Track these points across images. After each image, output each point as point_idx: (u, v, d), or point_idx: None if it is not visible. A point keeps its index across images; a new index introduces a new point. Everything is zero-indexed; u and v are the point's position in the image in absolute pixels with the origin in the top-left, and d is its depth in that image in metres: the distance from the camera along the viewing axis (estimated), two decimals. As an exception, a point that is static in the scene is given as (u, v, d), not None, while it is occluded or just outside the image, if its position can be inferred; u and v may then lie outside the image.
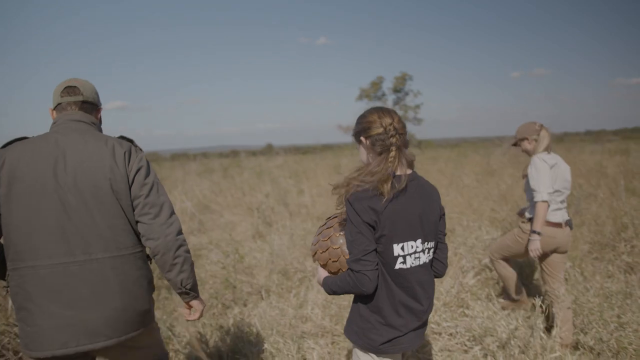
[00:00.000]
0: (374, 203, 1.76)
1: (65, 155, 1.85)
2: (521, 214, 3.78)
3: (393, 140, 1.83)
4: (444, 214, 2.02)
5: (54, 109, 2.06)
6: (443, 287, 3.67)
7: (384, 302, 1.86)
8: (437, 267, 2.03)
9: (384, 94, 35.56)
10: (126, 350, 2.00)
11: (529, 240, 3.44)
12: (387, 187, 1.75)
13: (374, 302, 1.87)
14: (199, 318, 2.19)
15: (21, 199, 1.79)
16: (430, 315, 3.28)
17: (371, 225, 1.77)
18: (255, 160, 21.53)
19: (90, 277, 1.82)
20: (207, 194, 11.33)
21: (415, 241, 1.84)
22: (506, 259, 3.94)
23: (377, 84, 34.95)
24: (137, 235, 1.98)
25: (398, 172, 1.85)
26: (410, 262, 1.84)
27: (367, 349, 1.90)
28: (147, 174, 1.97)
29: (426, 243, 1.89)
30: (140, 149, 2.05)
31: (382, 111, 1.90)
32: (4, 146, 1.89)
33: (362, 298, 1.90)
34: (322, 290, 4.09)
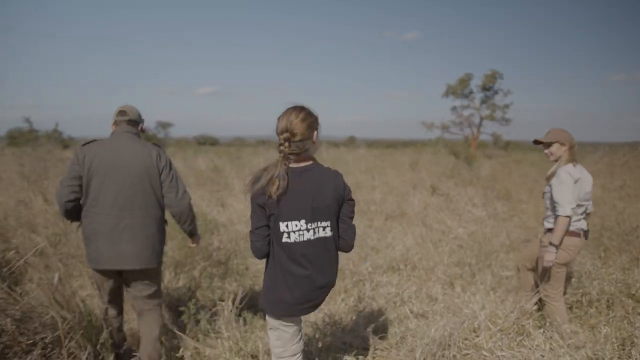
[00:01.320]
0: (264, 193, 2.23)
1: (121, 152, 2.99)
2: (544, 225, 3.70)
3: (282, 147, 2.24)
4: (349, 200, 2.39)
5: (114, 124, 3.18)
6: (501, 311, 3.30)
7: (275, 269, 2.32)
8: (341, 243, 2.42)
9: (471, 92, 34.22)
10: (143, 276, 3.09)
11: (545, 250, 3.46)
12: (273, 189, 2.19)
13: (268, 270, 2.38)
14: (197, 245, 3.47)
15: (96, 177, 2.93)
16: (484, 341, 2.96)
17: (261, 207, 2.26)
18: (336, 152, 21.36)
19: (128, 226, 2.94)
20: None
21: (299, 221, 2.24)
22: (533, 270, 3.90)
23: (465, 81, 33.68)
24: (160, 205, 3.09)
25: (291, 165, 2.27)
26: (294, 237, 2.25)
27: (267, 312, 2.43)
28: (170, 168, 3.12)
29: (311, 223, 2.26)
30: (164, 152, 3.15)
31: (283, 114, 2.29)
32: (84, 145, 3.02)
33: (266, 267, 2.40)
34: (375, 295, 3.88)
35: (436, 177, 11.94)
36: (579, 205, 3.45)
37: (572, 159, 3.47)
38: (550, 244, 3.39)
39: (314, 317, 4.00)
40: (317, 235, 2.29)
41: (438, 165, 13.94)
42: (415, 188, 10.51)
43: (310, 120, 2.29)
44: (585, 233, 3.57)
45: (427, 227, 7.47)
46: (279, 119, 2.29)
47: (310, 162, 2.32)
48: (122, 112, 3.17)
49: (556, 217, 3.39)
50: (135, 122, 3.20)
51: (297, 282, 2.30)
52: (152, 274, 3.14)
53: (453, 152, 15.42)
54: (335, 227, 2.36)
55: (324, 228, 2.31)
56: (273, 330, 2.45)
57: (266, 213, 2.26)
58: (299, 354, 2.51)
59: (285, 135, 2.22)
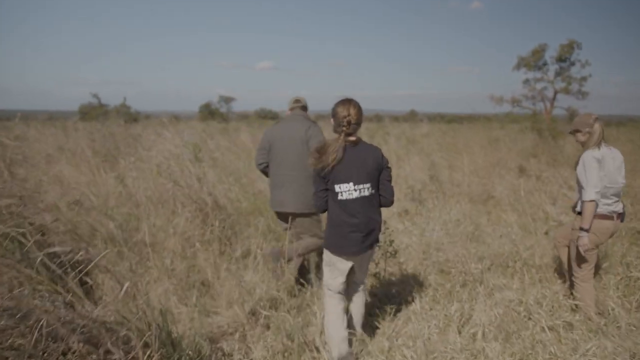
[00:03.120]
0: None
1: (290, 129, 3.96)
2: (574, 208, 3.78)
3: (344, 128, 2.92)
4: (387, 167, 3.05)
5: (290, 109, 4.15)
6: None
7: (334, 219, 2.98)
8: (382, 200, 3.07)
9: (545, 64, 32.00)
10: (303, 219, 3.99)
11: (577, 235, 3.55)
12: (331, 157, 2.87)
13: (329, 221, 3.03)
14: None
15: (275, 149, 3.98)
16: None
17: (321, 176, 2.94)
18: (399, 127, 20.39)
19: (292, 181, 3.90)
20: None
21: (348, 183, 2.91)
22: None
23: (539, 52, 31.51)
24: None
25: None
26: (346, 195, 2.92)
27: (329, 250, 3.07)
28: (315, 138, 3.86)
29: (358, 185, 2.92)
30: (316, 125, 4.02)
31: (343, 104, 2.96)
32: (270, 127, 4.14)
33: (327, 219, 3.05)
34: (495, 301, 3.72)
35: (518, 156, 10.91)
36: (607, 187, 3.48)
37: (597, 142, 3.49)
38: (581, 228, 3.47)
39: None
40: (362, 194, 2.95)
41: (518, 142, 12.78)
42: (497, 168, 9.57)
43: (361, 110, 3.01)
44: (620, 215, 3.61)
45: (519, 212, 6.61)
46: (338, 106, 2.97)
47: (358, 140, 2.99)
48: (297, 101, 4.16)
49: (583, 201, 3.44)
50: (304, 107, 4.19)
51: (351, 229, 2.95)
52: (309, 220, 4.02)
53: (535, 127, 14.07)
54: (376, 187, 3.02)
55: (368, 189, 2.96)
56: (327, 266, 3.13)
57: (325, 180, 2.94)
58: (342, 289, 3.16)
59: (348, 119, 2.91)
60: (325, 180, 2.94)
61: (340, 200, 2.93)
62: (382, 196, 3.07)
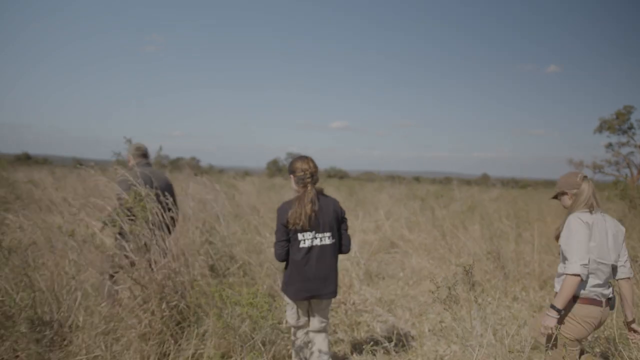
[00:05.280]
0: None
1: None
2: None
3: (310, 180, 3.17)
4: (344, 218, 3.31)
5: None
6: None
7: (294, 266, 3.15)
8: (342, 249, 3.34)
9: (631, 127, 28.96)
10: None
11: (545, 314, 2.83)
12: (307, 208, 3.08)
13: (288, 268, 3.20)
14: None
15: None
16: None
17: (285, 226, 3.11)
18: (468, 191, 18.46)
19: None
20: (397, 227, 8.94)
21: (311, 232, 3.11)
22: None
23: (623, 115, 28.64)
24: None
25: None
26: (308, 243, 3.11)
27: (287, 295, 3.23)
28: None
29: (319, 234, 3.14)
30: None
31: (301, 159, 3.21)
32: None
33: (285, 267, 3.24)
34: None
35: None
36: (599, 263, 2.79)
37: (586, 204, 2.86)
38: (552, 306, 2.77)
39: None
40: (323, 242, 3.15)
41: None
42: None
43: (317, 165, 3.26)
44: (609, 301, 2.87)
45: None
46: (296, 162, 3.21)
47: (321, 190, 3.26)
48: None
49: (565, 275, 2.78)
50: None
51: (310, 275, 3.13)
52: None
53: (625, 196, 11.72)
54: (335, 237, 3.23)
55: (329, 237, 3.17)
56: (290, 306, 3.27)
57: (288, 230, 3.11)
58: (305, 328, 3.34)
59: (310, 171, 3.15)
60: (288, 230, 3.11)
61: (302, 248, 3.11)
62: (343, 245, 3.33)
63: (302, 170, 3.13)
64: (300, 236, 3.09)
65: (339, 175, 48.38)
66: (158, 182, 3.98)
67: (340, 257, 6.67)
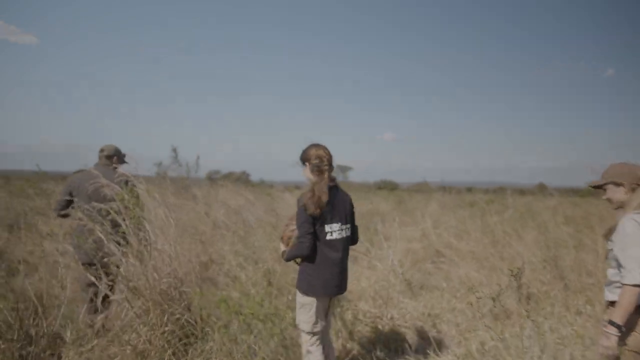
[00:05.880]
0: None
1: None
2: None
3: (327, 167, 3.00)
4: (353, 210, 3.18)
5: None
6: None
7: (319, 260, 2.94)
8: (353, 241, 3.19)
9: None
10: None
11: (603, 331, 2.42)
12: (323, 198, 2.88)
13: (312, 263, 2.95)
14: None
15: None
16: None
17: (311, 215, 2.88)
18: (522, 199, 17.42)
19: None
20: (445, 235, 8.33)
21: (337, 223, 2.97)
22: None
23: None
24: None
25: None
26: (335, 235, 2.96)
27: (309, 293, 2.98)
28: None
29: (343, 225, 3.02)
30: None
31: (316, 146, 3.03)
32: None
33: (307, 261, 2.98)
34: None
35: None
36: None
37: None
38: (610, 322, 2.39)
39: None
40: (346, 234, 3.05)
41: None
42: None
43: None
44: None
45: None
46: (311, 149, 3.02)
47: (333, 182, 3.06)
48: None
49: (620, 285, 2.43)
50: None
51: (336, 269, 2.97)
52: None
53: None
54: (352, 228, 3.15)
55: (349, 229, 3.07)
56: (307, 309, 2.98)
57: (314, 221, 2.88)
58: (319, 334, 3.04)
59: (327, 158, 2.99)
60: (314, 221, 2.90)
61: (329, 240, 2.95)
62: (355, 236, 3.22)
63: (317, 157, 2.97)
64: (327, 228, 2.94)
65: (390, 187, 47.43)
66: (93, 186, 3.56)
67: (379, 265, 6.25)
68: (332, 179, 3.02)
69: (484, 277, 5.98)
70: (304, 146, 3.07)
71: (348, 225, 3.05)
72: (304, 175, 3.07)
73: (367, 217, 10.66)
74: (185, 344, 2.86)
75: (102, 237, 3.03)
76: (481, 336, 4.23)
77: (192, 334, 2.87)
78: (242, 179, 35.69)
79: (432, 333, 4.35)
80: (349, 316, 4.28)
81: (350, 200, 3.14)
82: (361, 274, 6.19)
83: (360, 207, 12.41)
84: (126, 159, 4.11)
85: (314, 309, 2.98)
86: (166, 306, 2.80)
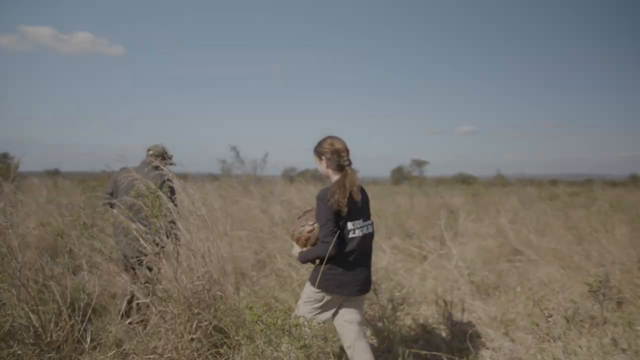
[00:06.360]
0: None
1: None
2: None
3: (345, 162, 2.80)
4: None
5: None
6: None
7: (341, 259, 2.73)
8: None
9: None
10: None
11: None
12: (355, 192, 2.75)
13: (333, 263, 2.73)
14: None
15: None
16: None
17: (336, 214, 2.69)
18: (613, 192, 15.93)
19: None
20: (524, 231, 7.65)
21: (359, 220, 2.78)
22: None
23: None
24: None
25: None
26: (358, 232, 2.76)
27: (323, 288, 2.75)
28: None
29: (366, 221, 2.84)
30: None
31: (332, 139, 2.86)
32: None
33: (327, 261, 2.70)
34: None
35: None
36: None
37: None
38: None
39: None
40: (369, 230, 2.86)
41: None
42: None
43: None
44: None
45: None
46: (327, 140, 2.86)
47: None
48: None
49: None
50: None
51: (360, 268, 2.79)
52: None
53: None
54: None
55: (371, 225, 2.91)
56: (311, 302, 2.78)
57: (338, 219, 2.69)
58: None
59: (347, 151, 2.82)
60: (339, 219, 2.71)
61: (352, 238, 2.76)
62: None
63: (335, 152, 2.79)
64: (350, 225, 2.74)
65: (468, 180, 45.56)
66: (127, 180, 3.61)
67: (447, 265, 5.80)
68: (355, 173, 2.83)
69: (567, 278, 5.35)
70: (321, 137, 2.90)
71: (370, 222, 2.89)
72: (318, 168, 2.92)
73: (438, 213, 10.12)
74: (215, 354, 2.64)
75: (137, 235, 2.88)
76: (562, 347, 3.71)
77: (224, 343, 2.65)
78: (317, 176, 35.75)
79: (504, 342, 3.88)
80: (408, 321, 3.92)
81: (367, 194, 2.97)
82: (428, 273, 5.78)
83: (432, 203, 11.91)
84: (173, 160, 4.11)
85: (318, 305, 2.80)
86: (197, 311, 2.60)
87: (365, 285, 2.85)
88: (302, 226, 2.86)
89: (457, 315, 4.26)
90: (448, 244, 5.84)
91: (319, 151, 2.87)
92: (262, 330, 2.06)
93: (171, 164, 4.10)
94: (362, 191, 2.89)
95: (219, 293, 2.83)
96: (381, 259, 5.72)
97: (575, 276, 5.34)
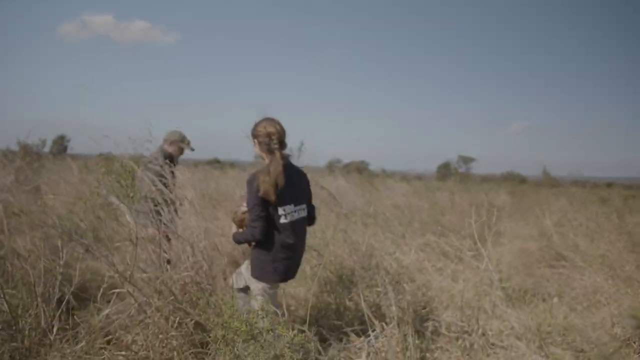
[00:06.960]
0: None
1: None
2: None
3: (275, 146, 2.72)
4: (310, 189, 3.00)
5: None
6: None
7: (274, 245, 2.71)
8: (311, 221, 3.01)
9: None
10: None
11: None
12: (279, 178, 2.64)
13: (265, 248, 2.72)
14: None
15: None
16: None
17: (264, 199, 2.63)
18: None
19: None
20: (571, 235, 7.03)
21: (290, 205, 2.73)
22: None
23: None
24: None
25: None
26: (289, 218, 2.72)
27: (261, 277, 2.75)
28: None
29: (297, 206, 2.80)
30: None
31: (267, 121, 2.78)
32: None
33: (258, 246, 2.74)
34: None
35: None
36: None
37: None
38: None
39: None
40: (301, 215, 2.82)
41: None
42: None
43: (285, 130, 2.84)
44: None
45: None
46: (261, 123, 2.78)
47: (286, 160, 2.80)
48: None
49: None
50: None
51: (293, 253, 2.78)
52: None
53: None
54: (308, 208, 2.93)
55: (304, 209, 2.87)
56: (260, 297, 2.71)
57: (266, 204, 2.64)
58: None
59: (278, 135, 2.71)
60: (266, 204, 2.67)
61: (283, 224, 2.72)
62: (312, 217, 3.01)
63: (266, 134, 2.72)
64: (280, 210, 2.71)
65: (517, 180, 44.26)
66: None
67: (473, 265, 5.35)
68: (284, 157, 2.78)
69: (615, 289, 4.80)
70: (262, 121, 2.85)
71: (303, 206, 2.86)
72: (255, 150, 2.85)
73: (478, 211, 9.59)
74: (196, 354, 2.36)
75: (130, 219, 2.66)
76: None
77: (207, 343, 2.37)
78: (360, 168, 35.68)
79: (537, 358, 3.44)
80: (428, 329, 3.53)
81: (306, 177, 2.98)
82: (460, 273, 5.36)
83: (474, 200, 11.38)
84: (191, 146, 4.27)
85: (267, 293, 2.78)
86: (180, 306, 2.32)
87: (296, 270, 2.88)
88: (237, 206, 2.85)
89: (488, 323, 3.83)
90: (478, 244, 5.39)
91: (253, 134, 2.82)
92: (223, 336, 1.77)
93: (191, 149, 4.26)
94: (301, 175, 2.89)
95: (209, 286, 2.57)
96: (407, 256, 5.33)
97: (625, 287, 4.78)
